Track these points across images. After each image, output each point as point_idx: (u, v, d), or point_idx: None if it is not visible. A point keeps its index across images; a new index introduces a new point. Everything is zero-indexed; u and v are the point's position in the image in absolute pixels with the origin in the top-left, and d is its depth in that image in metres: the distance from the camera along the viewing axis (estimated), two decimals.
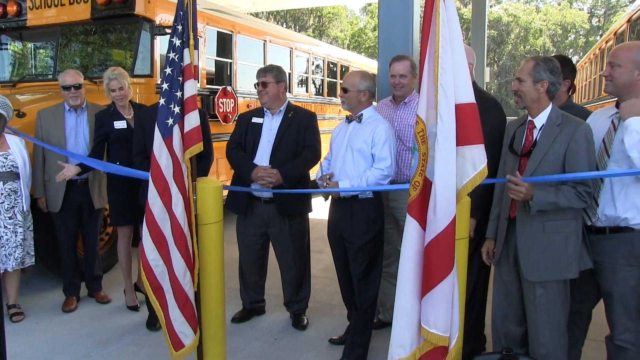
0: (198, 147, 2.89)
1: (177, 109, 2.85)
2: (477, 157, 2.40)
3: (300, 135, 4.14)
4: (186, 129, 2.87)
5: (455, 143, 2.35)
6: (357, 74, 3.71)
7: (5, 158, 4.32)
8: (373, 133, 3.54)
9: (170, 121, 2.84)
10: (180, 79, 2.85)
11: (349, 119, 3.70)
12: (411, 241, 2.44)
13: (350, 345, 3.72)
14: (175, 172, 2.85)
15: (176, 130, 2.85)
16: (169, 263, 2.89)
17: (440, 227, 2.34)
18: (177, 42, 2.83)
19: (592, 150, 2.85)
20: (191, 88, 2.88)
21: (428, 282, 2.38)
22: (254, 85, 4.21)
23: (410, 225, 2.45)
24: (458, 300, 2.44)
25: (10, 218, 4.35)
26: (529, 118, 3.00)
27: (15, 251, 4.39)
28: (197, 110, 2.91)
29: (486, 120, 3.21)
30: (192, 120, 2.88)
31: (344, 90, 3.68)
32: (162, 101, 2.86)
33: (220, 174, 7.26)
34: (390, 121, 3.86)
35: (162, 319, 2.96)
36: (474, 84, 3.52)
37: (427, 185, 2.40)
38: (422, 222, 2.41)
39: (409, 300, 2.44)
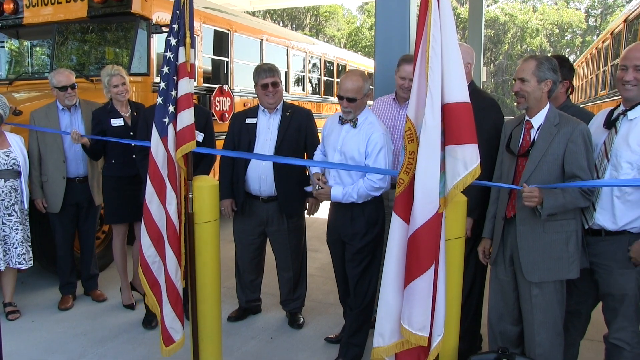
0: (191, 145, 2.90)
1: (171, 108, 2.87)
2: (468, 157, 2.34)
3: (300, 134, 4.14)
4: (179, 127, 2.89)
5: (438, 144, 2.33)
6: (357, 77, 3.45)
7: (7, 156, 4.31)
8: (367, 141, 3.41)
9: (167, 120, 2.87)
10: (175, 77, 2.87)
11: (342, 121, 3.55)
12: (395, 237, 2.46)
13: (346, 345, 3.73)
14: (169, 170, 2.89)
15: (170, 128, 2.87)
16: (165, 260, 2.94)
17: (416, 225, 2.34)
18: (173, 41, 2.84)
19: (591, 150, 2.83)
20: (185, 86, 2.89)
21: (406, 277, 2.42)
22: (260, 86, 4.07)
23: (395, 222, 2.46)
24: (443, 300, 2.43)
25: (10, 215, 4.34)
26: (527, 118, 2.97)
27: (15, 248, 4.37)
28: (192, 109, 2.92)
29: (485, 119, 3.23)
30: (185, 118, 2.89)
31: (351, 100, 3.40)
32: (159, 100, 2.90)
33: (217, 172, 7.23)
34: (394, 120, 3.84)
35: (159, 315, 3.02)
36: (472, 84, 3.51)
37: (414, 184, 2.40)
38: (406, 219, 2.42)
39: (390, 294, 2.48)
